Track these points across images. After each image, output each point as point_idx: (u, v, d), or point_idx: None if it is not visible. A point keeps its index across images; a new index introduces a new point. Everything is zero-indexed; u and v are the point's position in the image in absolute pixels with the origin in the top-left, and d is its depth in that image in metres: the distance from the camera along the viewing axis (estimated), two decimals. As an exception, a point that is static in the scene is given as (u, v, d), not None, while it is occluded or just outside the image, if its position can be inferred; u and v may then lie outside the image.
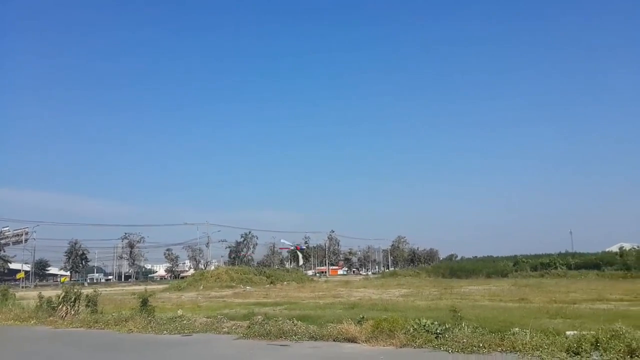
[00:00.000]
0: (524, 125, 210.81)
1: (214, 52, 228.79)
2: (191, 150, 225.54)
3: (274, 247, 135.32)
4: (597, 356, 9.44)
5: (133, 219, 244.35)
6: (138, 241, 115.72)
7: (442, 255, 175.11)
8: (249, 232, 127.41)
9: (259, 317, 15.78)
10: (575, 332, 10.98)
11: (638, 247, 69.63)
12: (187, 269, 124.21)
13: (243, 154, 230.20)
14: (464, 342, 10.97)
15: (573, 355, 9.65)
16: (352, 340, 12.47)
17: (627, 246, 71.89)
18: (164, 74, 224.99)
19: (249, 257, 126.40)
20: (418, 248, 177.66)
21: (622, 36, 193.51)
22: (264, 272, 69.99)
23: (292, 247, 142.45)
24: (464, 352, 10.59)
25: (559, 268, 65.45)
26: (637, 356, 9.03)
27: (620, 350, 9.30)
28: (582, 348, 9.70)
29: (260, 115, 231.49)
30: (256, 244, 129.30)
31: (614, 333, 9.88)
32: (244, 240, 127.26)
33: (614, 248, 76.39)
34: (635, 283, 41.61)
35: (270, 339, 13.43)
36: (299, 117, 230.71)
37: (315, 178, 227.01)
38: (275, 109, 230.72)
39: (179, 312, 18.73)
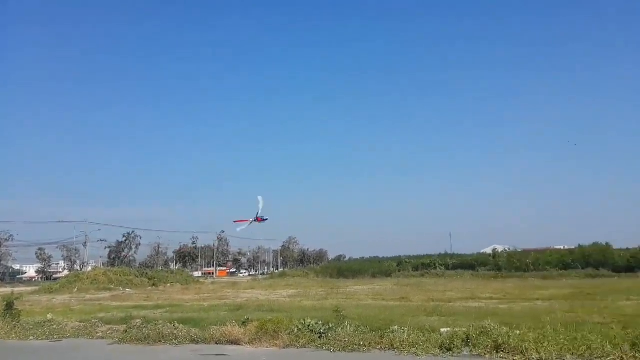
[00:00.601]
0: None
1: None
2: (69, 140, 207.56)
3: (158, 248, 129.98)
4: (467, 352, 10.03)
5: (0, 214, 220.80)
6: (6, 239, 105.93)
7: (332, 255, 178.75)
8: (132, 232, 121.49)
9: (137, 320, 15.09)
10: (449, 329, 11.61)
11: (509, 249, 76.02)
12: (61, 270, 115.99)
13: (130, 147, 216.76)
14: (345, 340, 11.22)
15: (446, 351, 10.19)
16: (235, 342, 12.30)
17: (499, 248, 77.66)
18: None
19: (131, 257, 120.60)
20: (308, 249, 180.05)
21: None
22: (146, 273, 66.97)
23: (252, 220, 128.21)
24: (345, 351, 10.84)
25: (438, 268, 69.09)
26: (503, 351, 9.72)
27: (488, 345, 9.99)
28: (454, 344, 10.30)
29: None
30: (139, 244, 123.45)
31: (483, 330, 10.59)
32: (125, 240, 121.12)
33: (488, 250, 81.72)
34: (505, 282, 45.44)
35: (148, 343, 12.85)
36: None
37: (209, 176, 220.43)
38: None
39: (49, 316, 17.48)
